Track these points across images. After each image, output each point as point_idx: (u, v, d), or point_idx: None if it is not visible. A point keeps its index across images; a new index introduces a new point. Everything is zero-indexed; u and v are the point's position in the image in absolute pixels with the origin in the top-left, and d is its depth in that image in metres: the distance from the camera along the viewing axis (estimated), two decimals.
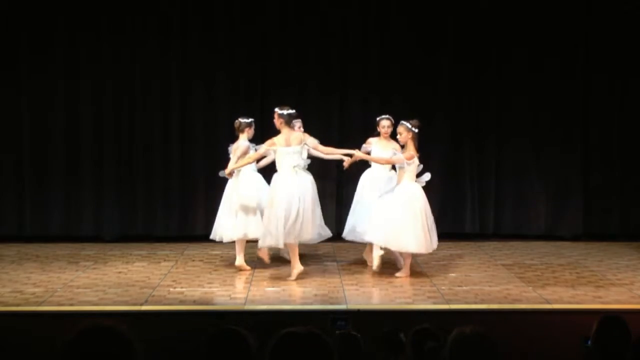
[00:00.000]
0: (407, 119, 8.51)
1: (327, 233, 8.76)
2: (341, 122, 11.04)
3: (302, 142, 8.45)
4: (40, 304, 7.40)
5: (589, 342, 3.90)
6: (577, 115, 11.07)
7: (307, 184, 8.39)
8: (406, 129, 8.44)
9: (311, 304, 7.58)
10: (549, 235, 10.97)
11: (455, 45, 11.00)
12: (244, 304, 7.43)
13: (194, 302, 7.55)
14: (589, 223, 11.11)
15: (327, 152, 8.88)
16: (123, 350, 2.31)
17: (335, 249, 10.05)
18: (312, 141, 8.58)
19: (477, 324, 2.93)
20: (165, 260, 9.53)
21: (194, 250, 10.13)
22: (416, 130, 8.43)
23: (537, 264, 9.32)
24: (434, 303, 7.46)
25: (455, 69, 11.00)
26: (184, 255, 9.80)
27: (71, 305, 7.37)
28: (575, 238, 10.90)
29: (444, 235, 10.77)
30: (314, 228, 8.43)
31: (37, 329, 6.65)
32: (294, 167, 8.36)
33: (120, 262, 9.41)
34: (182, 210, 10.91)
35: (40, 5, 10.71)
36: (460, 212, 11.09)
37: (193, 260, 9.52)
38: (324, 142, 10.05)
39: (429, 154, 11.01)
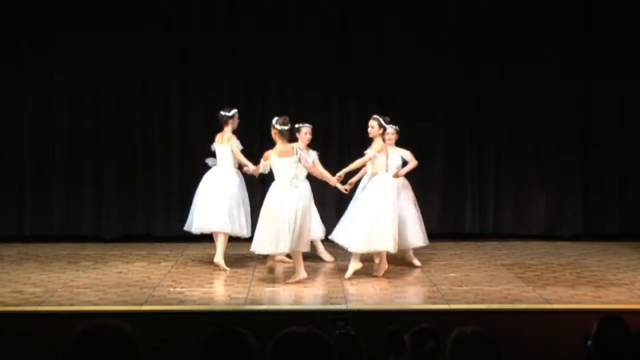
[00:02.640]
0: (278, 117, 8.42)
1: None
2: (341, 122, 11.04)
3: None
4: (40, 304, 7.40)
5: (589, 342, 3.90)
6: (577, 115, 11.07)
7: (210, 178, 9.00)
8: (273, 126, 8.35)
9: (311, 304, 7.58)
10: (549, 235, 10.97)
11: (456, 46, 11.01)
12: (244, 304, 7.43)
13: (194, 302, 7.55)
14: (589, 223, 11.11)
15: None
16: (126, 350, 2.31)
17: (335, 249, 10.04)
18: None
19: (477, 324, 2.93)
20: (165, 260, 9.53)
21: (194, 250, 10.12)
22: (279, 127, 8.26)
23: (537, 264, 9.32)
24: (434, 303, 7.46)
25: (455, 69, 11.00)
26: (184, 255, 9.79)
27: (71, 305, 7.37)
28: (575, 238, 10.90)
29: (444, 235, 10.82)
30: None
31: (37, 329, 6.66)
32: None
33: (120, 262, 9.41)
34: (182, 210, 10.88)
35: (41, 5, 10.71)
36: (460, 212, 11.10)
37: (193, 260, 9.52)
38: (324, 141, 10.09)
39: (429, 154, 11.04)
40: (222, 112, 9.02)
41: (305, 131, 9.10)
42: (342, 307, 7.31)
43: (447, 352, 2.87)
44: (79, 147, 10.91)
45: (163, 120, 11.00)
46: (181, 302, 7.56)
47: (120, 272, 8.82)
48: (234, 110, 9.02)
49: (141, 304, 7.39)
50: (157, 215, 10.93)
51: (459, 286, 8.12)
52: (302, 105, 10.93)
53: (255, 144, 10.97)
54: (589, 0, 11.04)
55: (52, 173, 10.88)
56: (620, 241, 10.66)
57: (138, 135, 10.96)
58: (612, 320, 3.89)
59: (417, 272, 8.80)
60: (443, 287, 8.04)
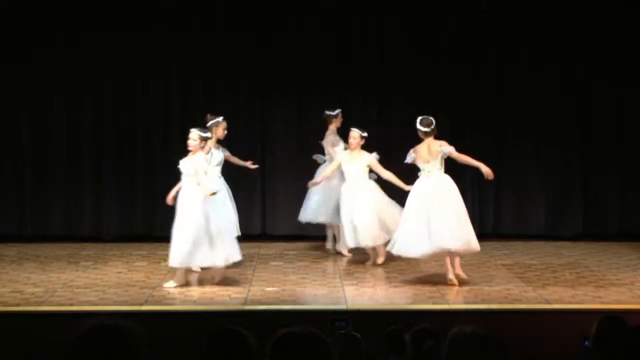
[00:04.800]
0: None
1: None
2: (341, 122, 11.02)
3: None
4: (40, 304, 7.40)
5: (588, 342, 3.90)
6: (577, 115, 11.07)
7: None
8: None
9: (311, 304, 7.58)
10: (549, 235, 10.96)
11: (456, 46, 11.00)
12: (244, 304, 7.43)
13: (194, 302, 7.55)
14: (589, 223, 11.10)
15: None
16: (126, 352, 2.30)
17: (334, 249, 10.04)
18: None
19: (477, 324, 2.93)
20: (165, 260, 9.47)
21: None
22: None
23: (537, 264, 9.32)
24: (434, 303, 7.46)
25: (455, 69, 10.99)
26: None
27: (71, 305, 7.37)
28: (575, 238, 10.88)
29: None
30: None
31: (37, 329, 6.66)
32: None
33: (120, 262, 9.41)
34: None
35: (41, 5, 10.72)
36: None
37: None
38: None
39: None
40: (327, 112, 9.79)
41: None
42: (342, 307, 7.31)
43: (446, 351, 2.86)
44: (79, 147, 10.91)
45: (163, 120, 11.00)
46: (181, 302, 7.56)
47: (120, 272, 8.82)
48: (338, 110, 9.83)
49: (141, 304, 7.39)
50: (157, 215, 10.91)
51: (459, 286, 8.11)
52: (302, 105, 10.93)
53: (256, 143, 11.00)
54: (588, 1, 11.04)
55: (52, 173, 10.88)
56: (620, 241, 10.64)
57: (138, 135, 10.96)
58: (611, 320, 3.89)
59: (417, 272, 8.79)
60: (443, 287, 8.03)
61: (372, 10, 10.98)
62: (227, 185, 9.20)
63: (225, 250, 8.07)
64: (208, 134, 8.38)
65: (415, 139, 10.57)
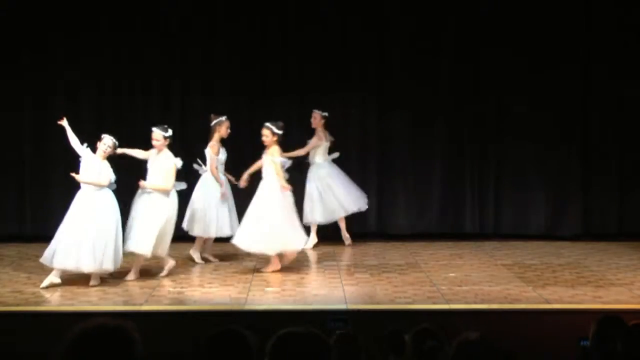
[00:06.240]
0: None
1: None
2: (341, 122, 11.03)
3: None
4: (40, 304, 7.41)
5: (585, 342, 3.90)
6: (577, 115, 11.07)
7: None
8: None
9: (311, 304, 7.59)
10: (549, 235, 10.96)
11: (456, 46, 11.00)
12: (244, 304, 7.44)
13: (194, 302, 7.55)
14: (589, 223, 11.10)
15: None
16: (120, 351, 2.30)
17: (335, 249, 10.06)
18: None
19: (477, 324, 2.93)
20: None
21: None
22: None
23: (537, 264, 9.32)
24: (434, 303, 7.46)
25: (455, 69, 10.99)
26: (183, 256, 9.78)
27: (71, 305, 7.37)
28: (575, 238, 10.88)
29: (444, 235, 10.83)
30: None
31: (37, 329, 6.66)
32: None
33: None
34: (182, 210, 10.88)
35: (42, 5, 10.72)
36: (460, 212, 11.09)
37: (193, 260, 9.51)
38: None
39: (430, 154, 11.05)
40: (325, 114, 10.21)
41: None
42: (342, 307, 7.32)
43: (451, 355, 2.86)
44: None
45: (163, 120, 10.97)
46: (181, 302, 7.57)
47: (120, 272, 8.81)
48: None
49: (141, 304, 7.40)
50: None
51: (459, 286, 8.12)
52: (302, 105, 10.93)
53: (256, 143, 10.99)
54: (588, 0, 11.04)
55: (52, 173, 10.87)
56: (620, 241, 10.65)
57: (138, 135, 10.93)
58: (610, 320, 3.90)
59: (417, 272, 8.80)
60: (443, 287, 8.04)
61: (372, 10, 10.97)
62: (229, 184, 9.35)
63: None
64: (117, 143, 8.41)
65: (413, 139, 10.61)
